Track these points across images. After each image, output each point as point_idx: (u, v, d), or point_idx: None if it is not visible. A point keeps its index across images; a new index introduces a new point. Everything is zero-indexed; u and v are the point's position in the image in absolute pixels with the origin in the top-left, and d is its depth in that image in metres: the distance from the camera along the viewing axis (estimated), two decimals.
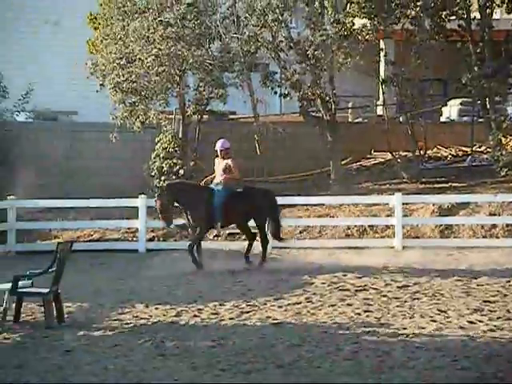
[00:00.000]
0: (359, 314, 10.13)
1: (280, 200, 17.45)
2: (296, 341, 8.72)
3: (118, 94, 18.58)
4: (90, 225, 17.50)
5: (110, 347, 8.55)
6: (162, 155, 18.89)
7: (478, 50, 19.41)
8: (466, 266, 14.04)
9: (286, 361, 7.89)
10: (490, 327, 9.28)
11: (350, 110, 23.43)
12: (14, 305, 9.78)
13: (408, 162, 20.50)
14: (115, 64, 18.53)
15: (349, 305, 10.71)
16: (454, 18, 19.65)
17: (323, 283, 12.44)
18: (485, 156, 20.73)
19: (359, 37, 18.83)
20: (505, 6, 19.83)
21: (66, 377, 7.46)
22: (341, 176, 19.61)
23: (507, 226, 16.81)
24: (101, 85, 19.01)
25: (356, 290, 11.80)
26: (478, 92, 19.58)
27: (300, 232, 17.41)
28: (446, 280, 12.50)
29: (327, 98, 19.32)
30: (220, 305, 10.81)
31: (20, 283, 9.77)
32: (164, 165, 18.74)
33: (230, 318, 9.99)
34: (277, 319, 9.88)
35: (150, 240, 16.83)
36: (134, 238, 16.93)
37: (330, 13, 18.84)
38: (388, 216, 17.23)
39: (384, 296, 11.34)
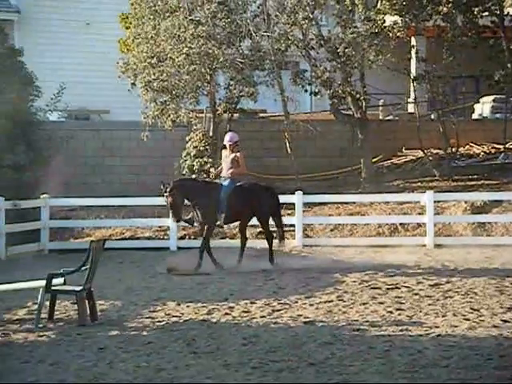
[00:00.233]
0: (391, 312, 10.09)
1: (311, 198, 17.48)
2: (327, 339, 8.70)
3: (149, 93, 18.69)
4: (122, 223, 17.63)
5: (142, 345, 8.60)
6: (192, 154, 18.97)
7: (510, 47, 19.22)
8: (498, 264, 13.93)
9: (318, 359, 7.87)
10: None
11: (380, 108, 23.33)
12: (48, 302, 9.87)
13: (439, 160, 20.37)
14: (146, 63, 18.64)
15: (380, 303, 10.67)
16: (486, 14, 19.49)
17: (354, 281, 12.41)
18: None
19: (390, 34, 18.72)
20: None
21: (99, 374, 7.52)
22: (372, 174, 19.54)
23: None
24: (132, 84, 19.14)
25: (387, 289, 11.76)
26: (511, 89, 19.38)
27: (331, 230, 17.39)
28: (478, 278, 12.41)
29: (358, 96, 19.26)
30: (251, 303, 10.82)
31: (54, 281, 9.86)
32: (195, 163, 18.81)
33: (262, 316, 9.99)
34: (308, 317, 9.86)
35: (181, 238, 16.91)
36: (165, 236, 17.03)
37: (360, 10, 18.77)
38: (419, 214, 17.13)
39: (416, 294, 11.28)
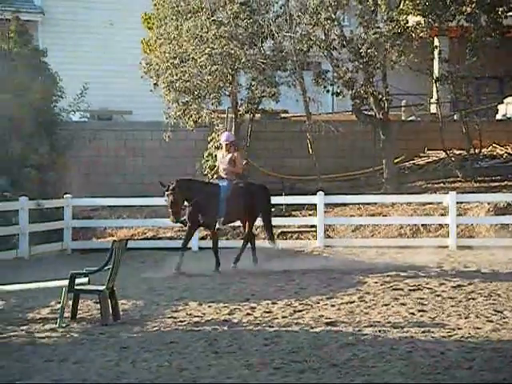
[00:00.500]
0: (413, 313, 10.05)
1: (332, 199, 17.45)
2: (349, 340, 8.68)
3: (171, 94, 18.74)
4: (144, 223, 17.72)
5: (164, 344, 8.62)
6: (214, 154, 18.99)
7: None
8: None
9: (340, 360, 7.85)
10: None
11: (403, 109, 23.24)
12: (70, 302, 9.93)
13: (462, 161, 20.27)
14: (169, 63, 18.69)
15: (402, 304, 10.63)
16: (511, 14, 19.35)
17: (376, 282, 12.38)
18: None
19: (413, 34, 18.65)
20: None
21: (121, 373, 7.55)
22: (394, 175, 19.48)
23: None
24: (154, 84, 19.20)
25: (410, 290, 11.71)
26: None
27: (352, 231, 17.37)
28: (501, 280, 12.33)
29: (380, 97, 19.20)
30: (273, 303, 10.83)
31: (77, 280, 9.92)
32: (216, 163, 18.82)
33: (283, 317, 9.99)
34: (330, 318, 9.84)
35: (202, 238, 16.94)
36: None
37: (383, 10, 18.72)
38: (442, 215, 17.06)
39: (438, 296, 11.23)
